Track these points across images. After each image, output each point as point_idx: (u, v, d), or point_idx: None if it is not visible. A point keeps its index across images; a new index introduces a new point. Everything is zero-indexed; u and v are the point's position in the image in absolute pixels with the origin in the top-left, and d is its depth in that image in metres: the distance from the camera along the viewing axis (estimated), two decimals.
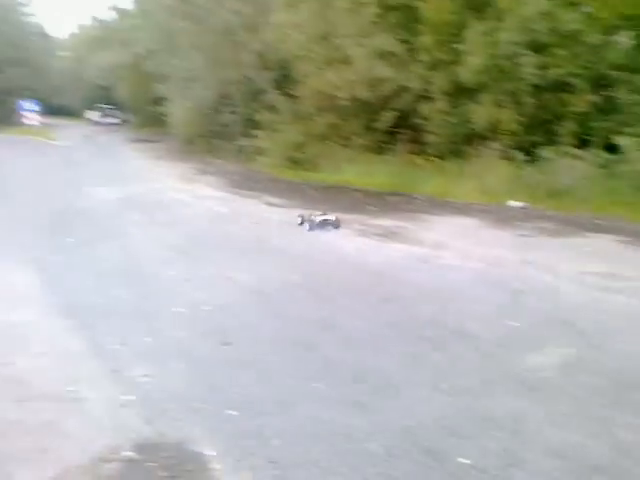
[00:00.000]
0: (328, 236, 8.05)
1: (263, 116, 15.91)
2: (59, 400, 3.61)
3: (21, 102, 37.77)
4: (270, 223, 9.02)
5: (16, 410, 3.50)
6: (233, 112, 18.45)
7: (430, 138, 11.70)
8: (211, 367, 4.02)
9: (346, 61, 12.05)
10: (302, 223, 8.84)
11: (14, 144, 28.63)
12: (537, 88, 10.42)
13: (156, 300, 5.45)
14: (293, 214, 9.52)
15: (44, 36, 52.85)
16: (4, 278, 6.22)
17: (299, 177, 13.56)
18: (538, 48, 10.23)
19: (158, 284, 5.97)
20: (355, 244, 7.52)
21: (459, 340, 4.39)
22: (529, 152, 10.42)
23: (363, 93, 11.81)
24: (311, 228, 8.59)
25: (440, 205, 10.02)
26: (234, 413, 3.40)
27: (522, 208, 9.55)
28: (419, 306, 5.17)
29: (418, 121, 11.95)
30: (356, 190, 11.59)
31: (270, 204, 10.67)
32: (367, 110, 12.98)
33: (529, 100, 10.51)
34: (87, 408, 3.52)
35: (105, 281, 6.08)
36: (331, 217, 8.83)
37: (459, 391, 3.62)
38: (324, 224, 8.67)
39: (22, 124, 37.29)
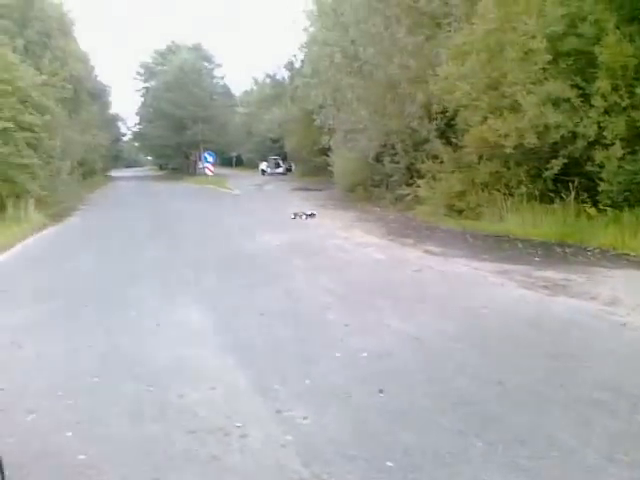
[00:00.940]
0: (491, 288, 7.75)
1: (425, 165, 16.04)
2: (225, 434, 3.81)
3: (201, 154, 41.90)
4: (429, 271, 8.92)
5: (186, 441, 3.75)
6: (394, 161, 18.77)
7: (604, 186, 10.92)
8: (367, 414, 4.02)
9: (514, 109, 11.77)
10: (295, 217, 16.27)
11: (193, 192, 31.64)
12: None
13: (315, 343, 5.60)
14: (454, 263, 9.38)
15: (228, 95, 58.43)
16: (180, 316, 6.79)
17: (459, 226, 13.32)
18: None
19: (317, 328, 6.14)
20: (519, 296, 7.14)
21: (638, 407, 3.96)
22: None
23: (531, 140, 11.41)
24: (306, 217, 16.18)
25: (614, 258, 9.22)
26: (390, 464, 3.34)
27: None
28: (591, 366, 4.73)
29: (590, 168, 11.24)
30: (519, 240, 11.08)
31: (429, 252, 10.57)
32: (533, 158, 12.49)
33: None
34: (250, 444, 3.67)
35: (269, 322, 6.39)
36: (315, 212, 16.81)
37: (638, 464, 3.25)
38: (309, 216, 16.30)
39: (201, 174, 41.28)
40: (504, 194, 13.11)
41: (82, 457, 3.59)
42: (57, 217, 19.33)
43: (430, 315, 6.38)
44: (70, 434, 3.89)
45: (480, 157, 13.72)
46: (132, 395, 4.50)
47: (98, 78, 46.60)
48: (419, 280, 8.38)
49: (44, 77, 21.10)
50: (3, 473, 2.73)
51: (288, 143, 39.08)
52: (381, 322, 6.16)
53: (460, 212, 14.25)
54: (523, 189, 12.62)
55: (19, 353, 5.61)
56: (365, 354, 5.16)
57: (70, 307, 7.43)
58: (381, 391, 4.34)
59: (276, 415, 4.05)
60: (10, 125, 17.18)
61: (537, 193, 12.44)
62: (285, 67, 42.02)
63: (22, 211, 17.11)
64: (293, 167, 43.54)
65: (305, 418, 3.97)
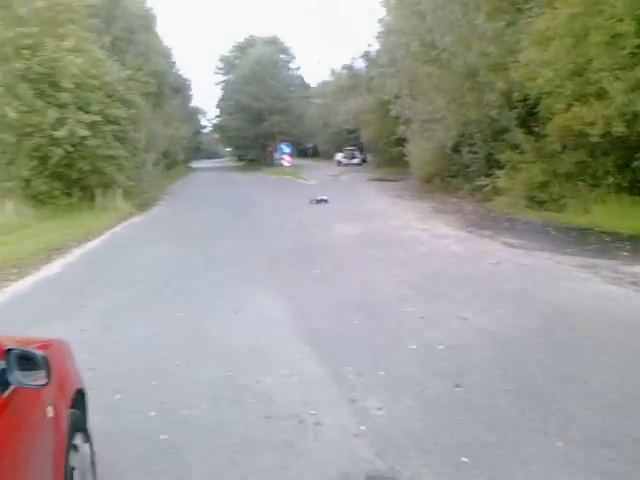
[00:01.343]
0: (574, 282, 7.44)
1: (504, 155, 15.61)
2: (300, 421, 3.86)
3: (279, 145, 42.65)
4: (508, 264, 8.68)
5: (263, 426, 3.83)
6: (473, 152, 18.36)
7: None
8: (443, 408, 3.96)
9: (601, 95, 11.22)
10: (311, 202, 18.31)
11: (270, 182, 32.14)
12: None
13: (391, 335, 5.57)
14: (534, 256, 9.09)
15: (304, 86, 59.05)
16: (258, 304, 6.93)
17: (540, 218, 12.85)
18: None
19: (393, 319, 6.11)
20: (606, 292, 6.82)
21: None
22: None
23: (619, 129, 10.85)
24: (316, 202, 18.24)
25: None
26: (466, 460, 3.28)
27: None
28: None
29: None
30: (606, 233, 10.57)
31: (508, 245, 10.27)
32: (622, 147, 11.90)
33: None
34: (324, 432, 3.70)
35: (344, 312, 6.41)
36: (325, 197, 18.59)
37: None
38: (320, 201, 18.31)
39: (278, 165, 42.00)
40: (590, 185, 12.59)
41: (164, 437, 3.73)
42: (142, 206, 20.17)
43: (509, 309, 6.21)
44: (154, 414, 4.06)
45: (564, 146, 13.24)
46: (212, 379, 4.64)
47: (179, 72, 48.11)
48: (498, 273, 8.17)
49: (129, 72, 21.98)
50: (92, 448, 2.90)
51: (364, 134, 38.95)
52: (458, 315, 6.05)
53: (541, 203, 13.78)
54: (610, 180, 12.08)
55: (107, 335, 5.90)
56: (441, 347, 5.09)
57: (154, 293, 7.75)
58: (458, 385, 4.27)
59: (350, 404, 4.07)
60: (98, 118, 18.06)
61: (626, 184, 11.86)
62: (362, 57, 41.76)
63: (109, 201, 17.98)
64: (369, 158, 43.41)
65: (379, 409, 3.96)
